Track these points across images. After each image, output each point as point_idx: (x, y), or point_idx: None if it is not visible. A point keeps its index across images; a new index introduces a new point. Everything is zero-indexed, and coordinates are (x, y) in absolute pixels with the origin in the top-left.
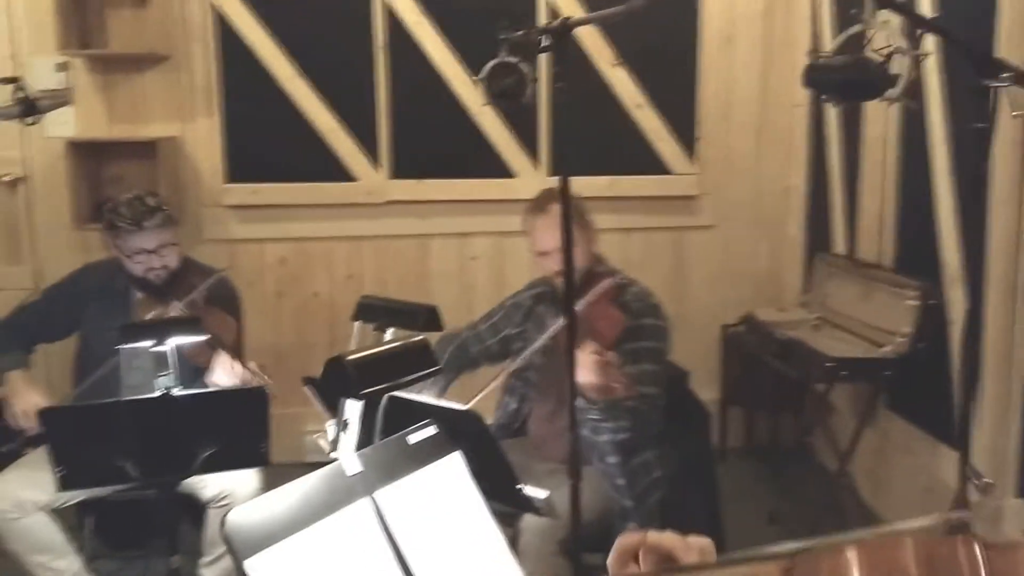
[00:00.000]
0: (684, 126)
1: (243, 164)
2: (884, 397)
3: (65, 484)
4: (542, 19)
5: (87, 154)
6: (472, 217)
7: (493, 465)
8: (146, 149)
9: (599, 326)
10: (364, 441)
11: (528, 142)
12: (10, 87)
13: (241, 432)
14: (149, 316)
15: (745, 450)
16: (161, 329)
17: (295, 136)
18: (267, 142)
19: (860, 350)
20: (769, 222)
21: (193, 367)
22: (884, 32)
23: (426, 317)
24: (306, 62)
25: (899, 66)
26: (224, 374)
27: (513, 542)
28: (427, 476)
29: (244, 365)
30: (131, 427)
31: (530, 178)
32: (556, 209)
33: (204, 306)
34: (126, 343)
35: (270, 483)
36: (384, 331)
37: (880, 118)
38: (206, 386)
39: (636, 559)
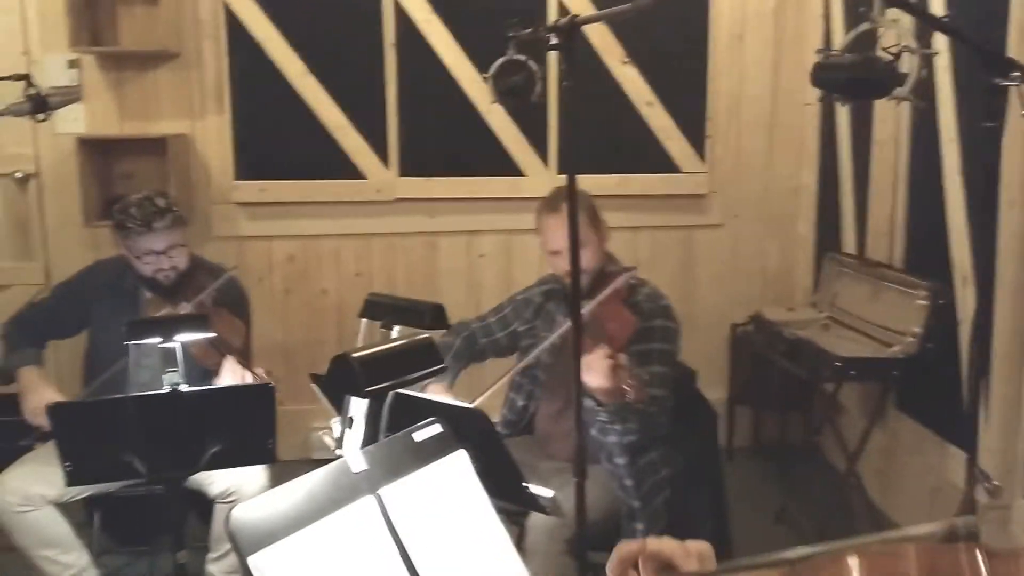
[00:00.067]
0: (694, 124)
1: (252, 161)
2: (893, 397)
3: (73, 479)
4: (552, 17)
5: (97, 151)
6: (480, 215)
7: (498, 463)
8: (156, 146)
9: (610, 327)
10: (369, 438)
11: (537, 140)
12: (21, 84)
13: (248, 429)
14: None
15: (753, 449)
16: (169, 325)
17: (304, 133)
18: (276, 139)
19: (869, 350)
20: (779, 221)
21: (202, 370)
22: (894, 30)
23: (432, 315)
24: (316, 60)
25: (908, 65)
26: (232, 379)
27: (520, 540)
28: (432, 474)
29: (251, 370)
30: (138, 423)
31: (539, 176)
32: (571, 207)
33: (212, 308)
34: (134, 339)
35: (277, 479)
36: (390, 329)
37: (891, 117)
38: None
39: (636, 567)
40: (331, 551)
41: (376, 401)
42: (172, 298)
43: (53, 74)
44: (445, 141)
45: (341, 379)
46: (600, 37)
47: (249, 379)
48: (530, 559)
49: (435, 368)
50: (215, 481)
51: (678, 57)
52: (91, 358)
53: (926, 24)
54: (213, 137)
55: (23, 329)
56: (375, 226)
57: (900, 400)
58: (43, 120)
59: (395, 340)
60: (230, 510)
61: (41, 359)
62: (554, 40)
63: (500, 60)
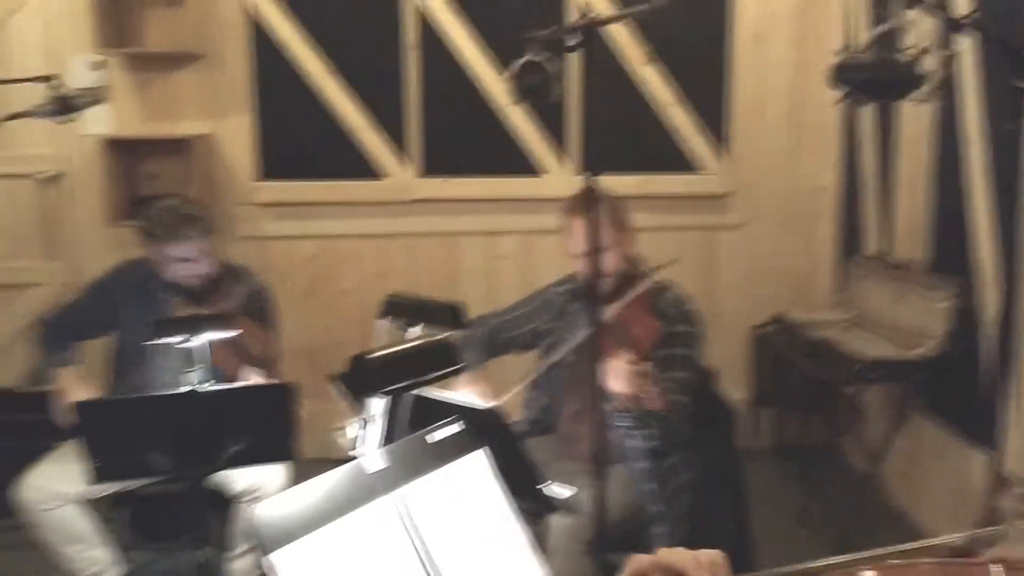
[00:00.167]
0: (715, 124)
1: (274, 162)
2: (916, 399)
3: (98, 477)
4: (572, 16)
5: (122, 151)
6: (500, 215)
7: (518, 463)
8: (180, 147)
9: (634, 332)
10: (389, 438)
11: (557, 140)
12: (47, 85)
13: (269, 428)
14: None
15: (774, 451)
16: (191, 325)
17: (326, 134)
18: (298, 140)
19: (892, 352)
20: (801, 222)
21: (223, 378)
22: (915, 30)
23: (451, 315)
24: (337, 60)
25: (929, 65)
26: None
27: (540, 540)
28: (451, 473)
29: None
30: (162, 422)
31: (559, 176)
32: (594, 210)
33: (239, 318)
34: (157, 338)
35: (299, 478)
36: (409, 329)
37: (914, 117)
38: None
39: None
40: (350, 550)
41: (395, 401)
42: (198, 304)
43: (78, 75)
44: (465, 141)
45: (359, 379)
46: (621, 37)
47: None
48: (550, 559)
49: (452, 369)
50: (237, 479)
51: (699, 57)
52: (117, 359)
53: (946, 24)
54: (236, 138)
55: (55, 330)
56: (396, 226)
57: (923, 402)
58: (68, 121)
59: (413, 340)
60: (252, 508)
61: (76, 359)
62: (572, 40)
63: (519, 60)
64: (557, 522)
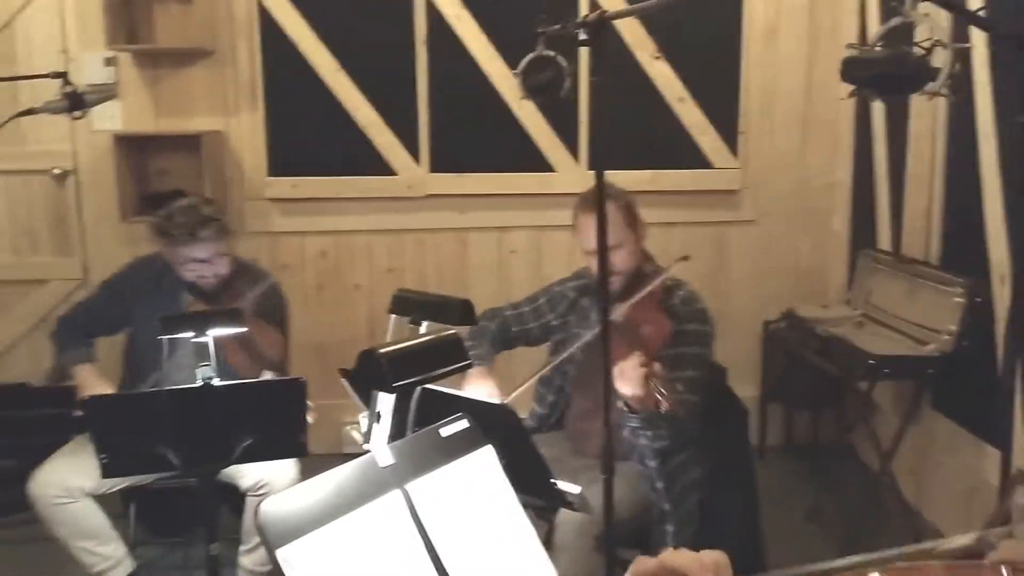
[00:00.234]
0: (726, 120)
1: (285, 157)
2: (928, 396)
3: (109, 471)
4: (583, 12)
5: (133, 147)
6: (511, 211)
7: (526, 459)
8: (191, 143)
9: (645, 331)
10: (397, 433)
11: (568, 136)
12: (59, 81)
13: (279, 423)
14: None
15: (785, 447)
16: (202, 320)
17: (336, 130)
18: (309, 136)
19: (904, 348)
20: (813, 217)
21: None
22: (927, 25)
23: (460, 311)
24: (348, 57)
25: (941, 59)
26: None
27: (549, 536)
28: (459, 469)
29: None
30: (172, 416)
31: (570, 172)
32: (608, 207)
33: (251, 319)
34: (168, 333)
35: (308, 473)
36: (419, 324)
37: (927, 112)
38: None
39: None
40: (358, 545)
41: (404, 396)
42: (212, 302)
43: (90, 72)
44: (476, 137)
45: (368, 375)
46: (632, 32)
47: None
48: (559, 555)
49: (461, 364)
50: (247, 474)
51: (710, 52)
52: (131, 356)
53: (959, 18)
54: (247, 134)
55: (71, 328)
56: (406, 222)
57: (935, 399)
58: (80, 117)
59: (422, 336)
60: (260, 503)
61: (93, 356)
62: (583, 35)
63: (529, 56)
64: (564, 518)
